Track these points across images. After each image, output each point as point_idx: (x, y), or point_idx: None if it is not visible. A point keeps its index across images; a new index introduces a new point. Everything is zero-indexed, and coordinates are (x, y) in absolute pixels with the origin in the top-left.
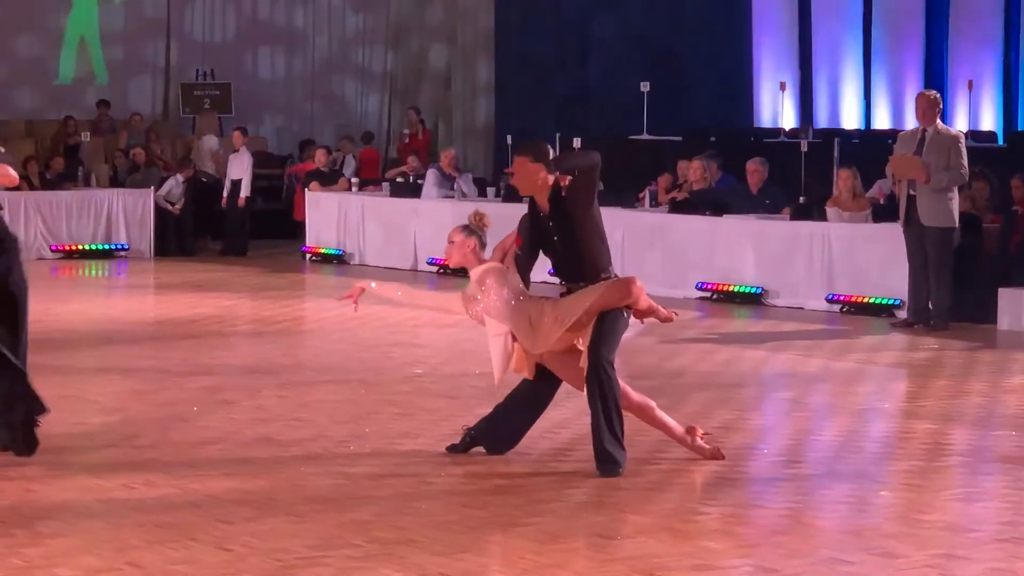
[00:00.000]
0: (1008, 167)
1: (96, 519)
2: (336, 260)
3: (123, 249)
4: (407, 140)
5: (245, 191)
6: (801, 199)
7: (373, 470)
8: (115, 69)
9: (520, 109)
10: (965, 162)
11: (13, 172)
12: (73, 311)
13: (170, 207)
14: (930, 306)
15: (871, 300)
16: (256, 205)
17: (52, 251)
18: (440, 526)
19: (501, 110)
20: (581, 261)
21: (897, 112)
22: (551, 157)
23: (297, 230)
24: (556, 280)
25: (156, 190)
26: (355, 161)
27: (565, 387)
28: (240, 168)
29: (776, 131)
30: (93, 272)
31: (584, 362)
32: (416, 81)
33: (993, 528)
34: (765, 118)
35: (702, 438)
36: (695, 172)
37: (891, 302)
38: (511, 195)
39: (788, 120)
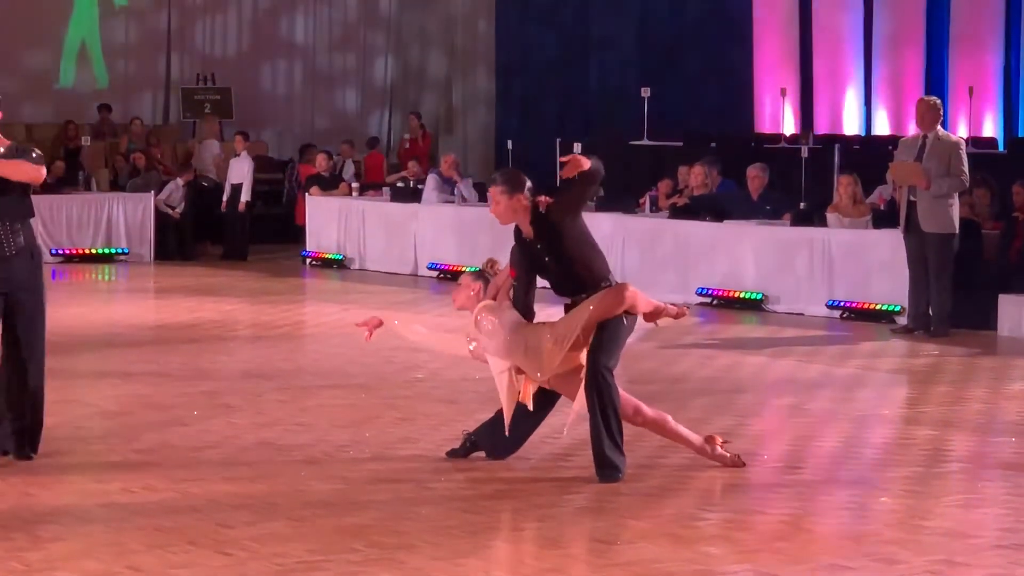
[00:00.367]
0: (1008, 173)
1: (96, 523)
2: (336, 265)
3: (123, 253)
4: (408, 145)
5: (246, 195)
6: (801, 205)
7: (373, 475)
8: (116, 73)
9: (520, 114)
10: (966, 168)
11: (29, 168)
12: (73, 315)
13: (170, 211)
14: (930, 312)
15: (871, 306)
16: (256, 209)
17: (52, 255)
18: (440, 531)
19: (502, 115)
20: (579, 274)
21: (897, 118)
22: (527, 184)
23: (297, 234)
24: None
25: (156, 194)
26: (355, 165)
27: None
28: (241, 172)
29: (777, 137)
30: (104, 276)
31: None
32: (417, 87)
33: (993, 534)
34: (766, 124)
35: (722, 446)
36: (696, 177)
37: (891, 308)
38: None
39: (789, 126)
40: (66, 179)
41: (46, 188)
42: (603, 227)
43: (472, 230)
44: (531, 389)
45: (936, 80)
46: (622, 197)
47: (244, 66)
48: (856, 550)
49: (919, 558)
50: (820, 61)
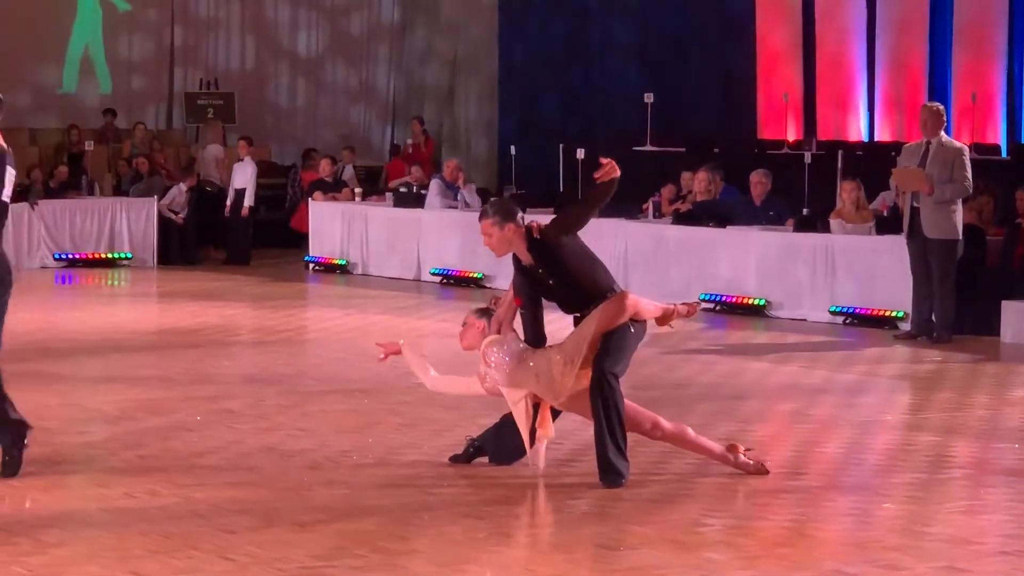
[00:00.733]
0: (1012, 180)
1: (99, 528)
2: (339, 270)
3: (126, 258)
4: (410, 151)
5: (249, 201)
6: (804, 211)
7: (376, 480)
8: (119, 78)
9: (523, 120)
10: (969, 174)
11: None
12: (76, 320)
13: (174, 216)
14: (933, 318)
15: (875, 312)
16: (259, 214)
17: (55, 260)
18: (443, 537)
19: (504, 122)
20: (584, 289)
21: (901, 124)
22: (517, 213)
23: (300, 240)
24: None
25: (160, 199)
26: (356, 171)
27: None
28: (244, 177)
29: (780, 143)
30: (107, 281)
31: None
32: (419, 94)
33: (996, 540)
34: (768, 130)
35: (745, 454)
36: (700, 183)
37: (895, 314)
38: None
39: (792, 132)
40: (70, 184)
41: (49, 193)
42: (606, 232)
43: (475, 235)
44: (550, 417)
45: (939, 86)
46: (625, 203)
47: (247, 69)
48: (859, 556)
49: (922, 564)
50: (823, 67)
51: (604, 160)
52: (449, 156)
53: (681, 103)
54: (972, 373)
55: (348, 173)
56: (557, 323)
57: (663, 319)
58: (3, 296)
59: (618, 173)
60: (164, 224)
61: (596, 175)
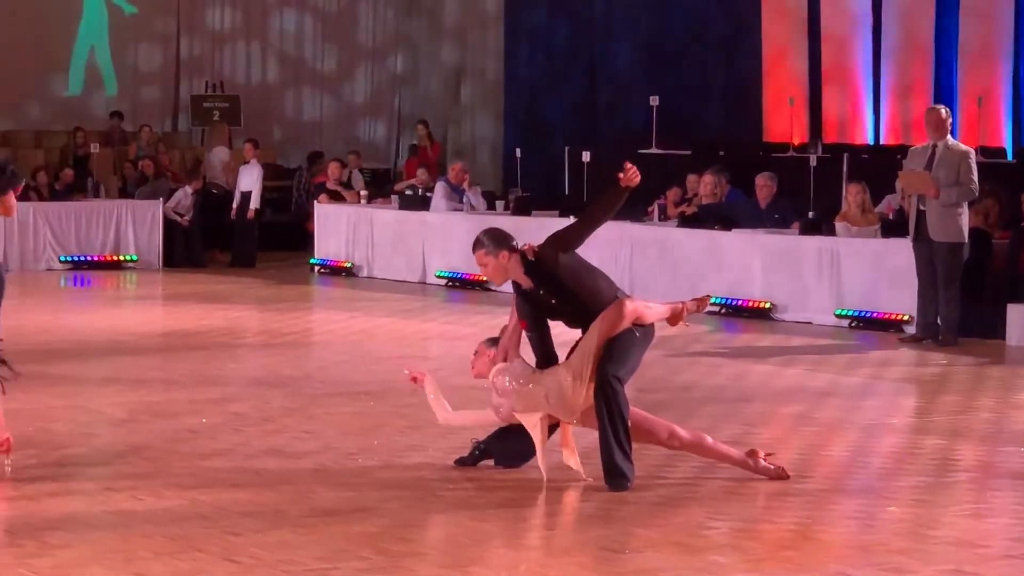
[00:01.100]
0: (1017, 183)
1: (104, 530)
2: (345, 272)
3: (132, 260)
4: (416, 153)
5: (255, 203)
6: (810, 214)
7: (381, 482)
8: (125, 80)
9: (528, 123)
10: (975, 177)
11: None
12: (82, 322)
13: (179, 219)
14: (939, 321)
15: (880, 315)
16: (265, 217)
17: (61, 262)
18: (448, 539)
19: (510, 124)
20: (587, 303)
21: (906, 127)
22: (510, 239)
23: (306, 242)
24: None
25: (165, 202)
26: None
27: None
28: (250, 180)
29: (785, 146)
30: (113, 283)
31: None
32: (425, 98)
33: (1002, 544)
34: (774, 133)
35: (765, 458)
36: (706, 186)
37: (900, 317)
38: (520, 208)
39: (797, 135)
40: (75, 186)
41: (54, 195)
42: (611, 235)
43: None
44: (570, 433)
45: (945, 89)
46: (631, 205)
47: (252, 73)
48: (864, 559)
49: (927, 568)
50: (829, 70)
51: (628, 164)
52: (454, 159)
53: (687, 106)
54: (977, 376)
55: (357, 178)
56: (565, 336)
57: (673, 319)
58: None
59: (638, 180)
60: (170, 226)
61: (620, 176)
